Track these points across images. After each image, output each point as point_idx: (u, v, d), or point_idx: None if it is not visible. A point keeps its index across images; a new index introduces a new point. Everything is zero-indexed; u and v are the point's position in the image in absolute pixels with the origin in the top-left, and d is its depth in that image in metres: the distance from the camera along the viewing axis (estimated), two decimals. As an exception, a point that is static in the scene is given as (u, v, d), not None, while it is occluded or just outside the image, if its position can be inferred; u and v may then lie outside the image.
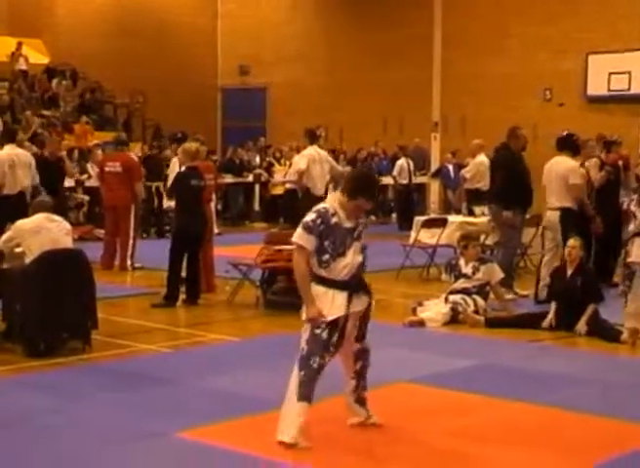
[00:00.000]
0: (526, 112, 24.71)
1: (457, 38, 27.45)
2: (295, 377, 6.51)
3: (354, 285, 6.54)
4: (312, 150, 15.39)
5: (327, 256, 6.43)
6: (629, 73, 24.58)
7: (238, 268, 12.37)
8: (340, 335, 6.50)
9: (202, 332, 10.60)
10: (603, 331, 10.23)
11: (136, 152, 19.74)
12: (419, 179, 25.83)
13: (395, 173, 24.54)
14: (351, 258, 6.48)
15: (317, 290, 6.48)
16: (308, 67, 30.12)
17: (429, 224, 15.43)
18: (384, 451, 6.42)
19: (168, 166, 16.82)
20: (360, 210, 6.58)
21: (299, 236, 6.48)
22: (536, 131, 23.14)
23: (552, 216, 12.36)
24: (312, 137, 15.56)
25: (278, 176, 23.46)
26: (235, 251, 15.03)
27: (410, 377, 8.42)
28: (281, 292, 12.09)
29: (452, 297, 11.34)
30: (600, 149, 14.16)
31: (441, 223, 15.28)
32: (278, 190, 23.07)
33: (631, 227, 10.45)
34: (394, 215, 25.67)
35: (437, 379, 8.36)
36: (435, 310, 11.19)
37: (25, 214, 10.49)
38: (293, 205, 16.56)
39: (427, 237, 15.24)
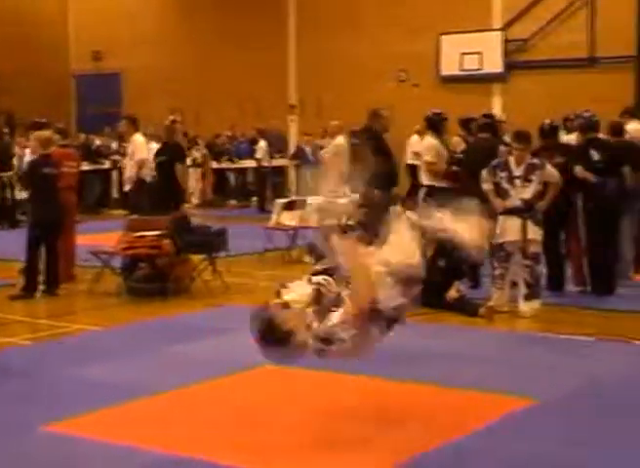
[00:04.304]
0: (381, 93, 24.93)
1: (311, 20, 27.55)
2: None
3: None
4: (143, 137, 15.18)
5: None
6: (480, 53, 25.07)
7: (98, 256, 12.21)
8: None
9: (64, 323, 10.42)
10: (463, 306, 10.46)
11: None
12: (278, 162, 25.92)
13: (260, 155, 24.55)
14: None
15: None
16: (163, 51, 29.80)
17: (290, 206, 15.50)
18: (245, 434, 6.43)
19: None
20: None
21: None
22: (392, 111, 23.36)
23: (420, 194, 12.67)
24: (136, 124, 15.27)
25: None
26: (94, 239, 14.83)
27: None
28: (143, 279, 12.01)
29: (315, 278, 11.36)
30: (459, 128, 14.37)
31: (302, 205, 15.36)
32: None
33: (498, 203, 10.56)
34: (255, 199, 25.70)
35: (304, 361, 8.39)
36: (299, 292, 11.20)
37: None
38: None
39: (289, 219, 15.31)
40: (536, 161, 10.49)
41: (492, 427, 6.52)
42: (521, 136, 10.51)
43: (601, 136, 11.88)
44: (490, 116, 13.84)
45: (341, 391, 7.51)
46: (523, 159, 10.40)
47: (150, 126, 21.03)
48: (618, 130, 12.27)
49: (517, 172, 10.41)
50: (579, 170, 11.21)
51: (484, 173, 10.73)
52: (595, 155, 11.32)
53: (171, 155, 13.57)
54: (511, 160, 10.47)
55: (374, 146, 12.87)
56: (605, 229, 11.36)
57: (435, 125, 12.75)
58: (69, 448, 6.20)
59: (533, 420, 6.62)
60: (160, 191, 13.49)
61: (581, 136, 11.95)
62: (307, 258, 13.10)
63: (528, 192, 10.35)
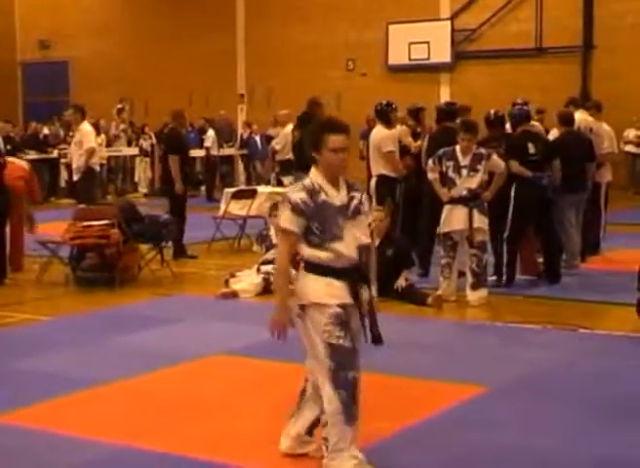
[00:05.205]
0: (330, 82, 25.02)
1: (260, 9, 27.54)
2: (333, 399, 5.39)
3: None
4: (90, 126, 15.07)
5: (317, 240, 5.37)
6: (428, 43, 25.19)
7: (46, 246, 12.13)
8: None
9: (11, 313, 10.34)
10: (412, 295, 10.52)
11: None
12: (226, 151, 25.87)
13: (208, 144, 24.45)
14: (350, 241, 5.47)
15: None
16: (111, 40, 29.64)
17: (239, 196, 15.48)
18: (194, 424, 6.44)
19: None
20: (341, 154, 5.26)
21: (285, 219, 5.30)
22: (339, 100, 23.49)
23: (371, 184, 12.62)
24: (83, 112, 15.14)
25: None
26: (42, 228, 14.70)
27: (225, 349, 8.46)
28: (91, 269, 11.96)
29: (264, 268, 11.42)
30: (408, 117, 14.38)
31: (251, 194, 15.35)
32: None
33: (444, 192, 10.60)
34: (203, 188, 25.62)
35: (252, 350, 8.41)
36: (248, 281, 11.26)
37: None
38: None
39: (237, 208, 15.29)
40: (482, 151, 10.55)
41: (444, 415, 6.59)
42: (468, 127, 10.55)
43: (536, 124, 11.90)
44: (453, 104, 13.85)
45: (289, 380, 7.51)
46: (470, 149, 10.45)
47: (97, 115, 20.95)
48: (568, 119, 12.30)
49: (464, 161, 10.46)
50: (514, 165, 11.20)
51: (430, 162, 10.78)
52: (531, 148, 11.35)
53: (166, 145, 14.32)
54: (458, 149, 10.52)
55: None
56: (541, 220, 11.45)
57: (386, 115, 12.77)
58: (19, 439, 6.17)
59: (484, 408, 6.69)
60: (161, 183, 14.28)
61: (514, 127, 11.96)
62: (256, 248, 13.11)
63: (474, 182, 10.41)
